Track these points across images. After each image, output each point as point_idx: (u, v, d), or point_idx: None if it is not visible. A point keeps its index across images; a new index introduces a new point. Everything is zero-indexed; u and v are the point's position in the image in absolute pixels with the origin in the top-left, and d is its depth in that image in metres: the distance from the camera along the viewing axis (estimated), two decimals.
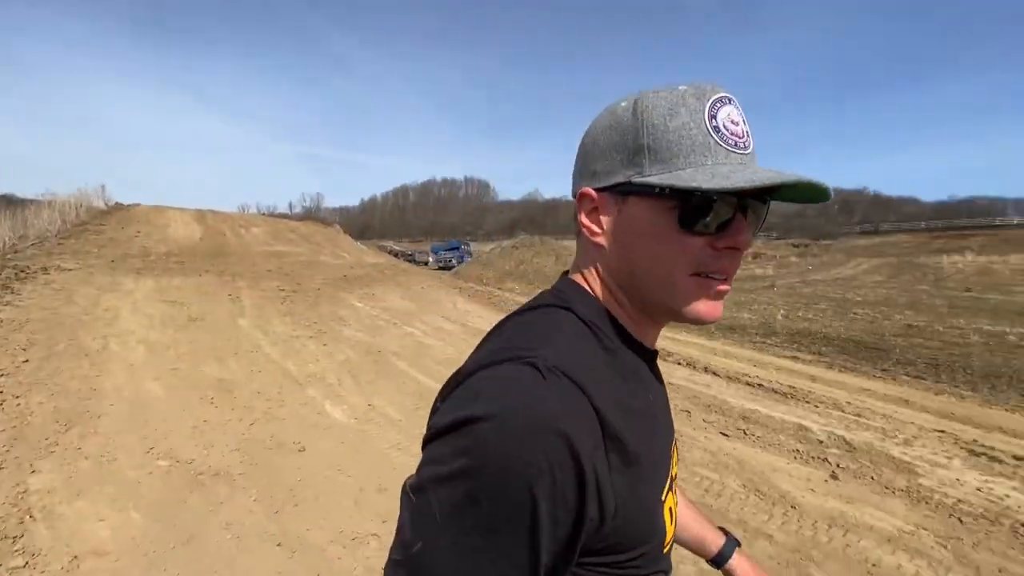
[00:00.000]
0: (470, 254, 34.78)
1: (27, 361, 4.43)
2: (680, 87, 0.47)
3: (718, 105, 0.46)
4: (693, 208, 0.45)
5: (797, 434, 4.23)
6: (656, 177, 0.45)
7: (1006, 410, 5.98)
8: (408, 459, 3.54)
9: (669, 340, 9.05)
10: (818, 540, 2.66)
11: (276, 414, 4.11)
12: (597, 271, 0.53)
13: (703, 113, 0.45)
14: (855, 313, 14.58)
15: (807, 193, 0.47)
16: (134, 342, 5.31)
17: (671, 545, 0.56)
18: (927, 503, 3.15)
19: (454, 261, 33.58)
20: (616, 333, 0.51)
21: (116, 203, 13.66)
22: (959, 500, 3.21)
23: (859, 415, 4.91)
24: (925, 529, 2.83)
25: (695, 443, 3.87)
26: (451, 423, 0.41)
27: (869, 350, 9.16)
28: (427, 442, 0.44)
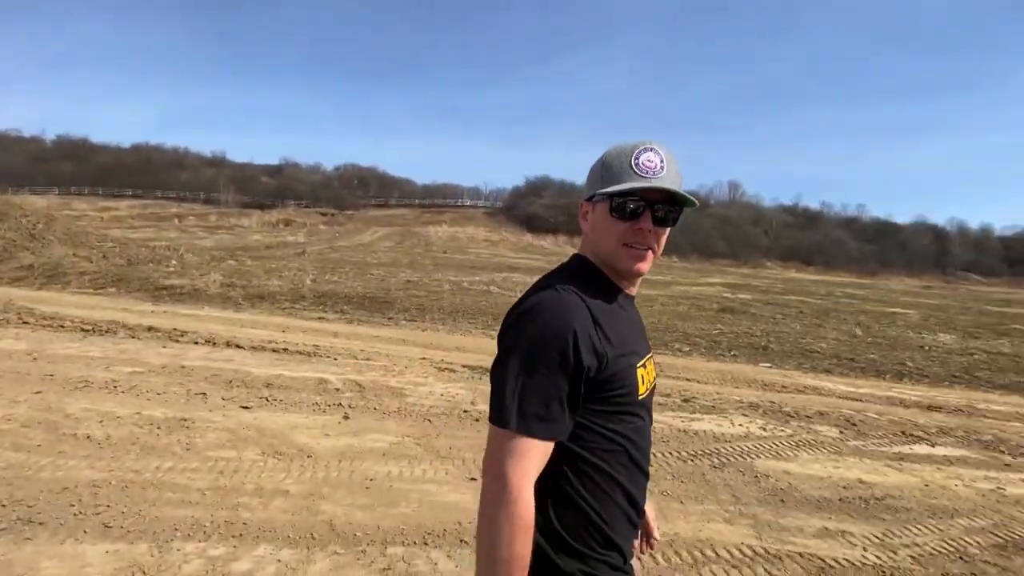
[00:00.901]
0: None
1: None
2: (629, 143, 0.82)
3: (641, 152, 0.80)
4: (615, 204, 0.80)
5: (317, 388, 4.55)
6: (602, 190, 0.81)
7: (462, 335, 8.43)
8: None
9: (186, 318, 7.93)
10: (329, 477, 2.94)
11: None
12: (587, 247, 0.88)
13: (630, 157, 0.80)
14: (371, 274, 17.11)
15: (681, 200, 0.82)
16: None
17: (646, 394, 0.84)
18: (411, 416, 4.05)
19: None
20: (599, 277, 0.85)
21: None
22: (431, 407, 4.29)
23: (369, 359, 5.78)
24: (408, 436, 3.63)
25: (211, 426, 3.52)
26: (513, 315, 0.78)
27: (380, 303, 10.96)
28: (500, 335, 0.79)
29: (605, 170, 0.82)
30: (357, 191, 58.78)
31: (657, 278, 22.18)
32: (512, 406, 0.70)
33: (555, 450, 0.74)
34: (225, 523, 2.39)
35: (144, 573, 2.04)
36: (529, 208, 52.42)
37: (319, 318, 8.92)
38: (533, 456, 0.70)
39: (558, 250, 39.87)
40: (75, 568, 2.09)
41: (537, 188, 56.80)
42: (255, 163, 65.31)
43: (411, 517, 2.57)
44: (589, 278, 0.83)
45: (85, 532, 2.29)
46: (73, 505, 2.49)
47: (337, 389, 4.57)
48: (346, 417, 3.90)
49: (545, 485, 0.74)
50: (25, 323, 6.43)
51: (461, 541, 2.40)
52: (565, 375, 0.71)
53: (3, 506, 2.44)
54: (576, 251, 0.93)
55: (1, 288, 9.98)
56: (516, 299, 0.83)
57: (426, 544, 2.37)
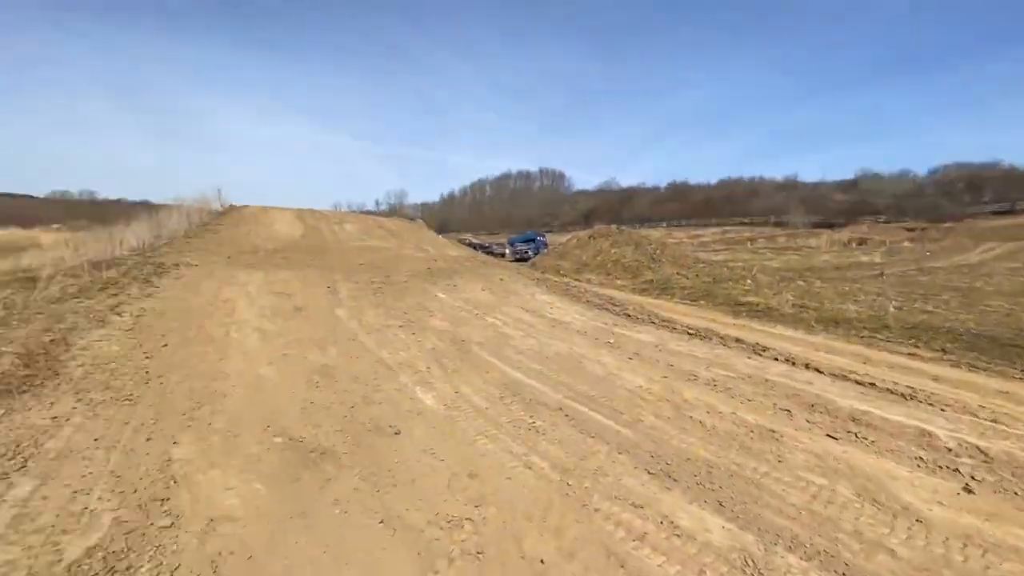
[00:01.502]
0: (546, 245, 34.72)
1: (166, 346, 5.07)
2: None
3: None
4: None
5: (919, 440, 3.79)
6: None
7: None
8: (495, 447, 3.63)
9: (762, 334, 8.49)
10: (951, 559, 2.38)
11: (373, 399, 4.38)
12: None
13: None
14: (987, 305, 12.77)
15: None
16: (249, 330, 5.90)
17: None
18: None
19: (530, 252, 33.67)
20: None
21: (230, 204, 15.17)
22: None
23: (995, 420, 4.31)
24: None
25: (798, 445, 3.60)
26: None
27: (1005, 347, 7.98)
28: None
29: None
30: (963, 196, 45.46)
31: None
32: None
33: None
34: (825, 553, 2.37)
35: (753, 563, 2.31)
36: None
37: (909, 354, 7.46)
38: None
39: None
40: (700, 528, 2.62)
41: None
42: (827, 181, 62.98)
43: None
44: None
45: (705, 503, 2.85)
46: (695, 475, 3.15)
47: (949, 449, 3.65)
48: (968, 490, 3.05)
49: None
50: (652, 323, 8.80)
51: None
52: None
53: (652, 457, 3.39)
54: None
55: (634, 296, 14.09)
56: None
57: None
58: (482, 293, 9.60)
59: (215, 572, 2.24)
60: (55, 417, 3.47)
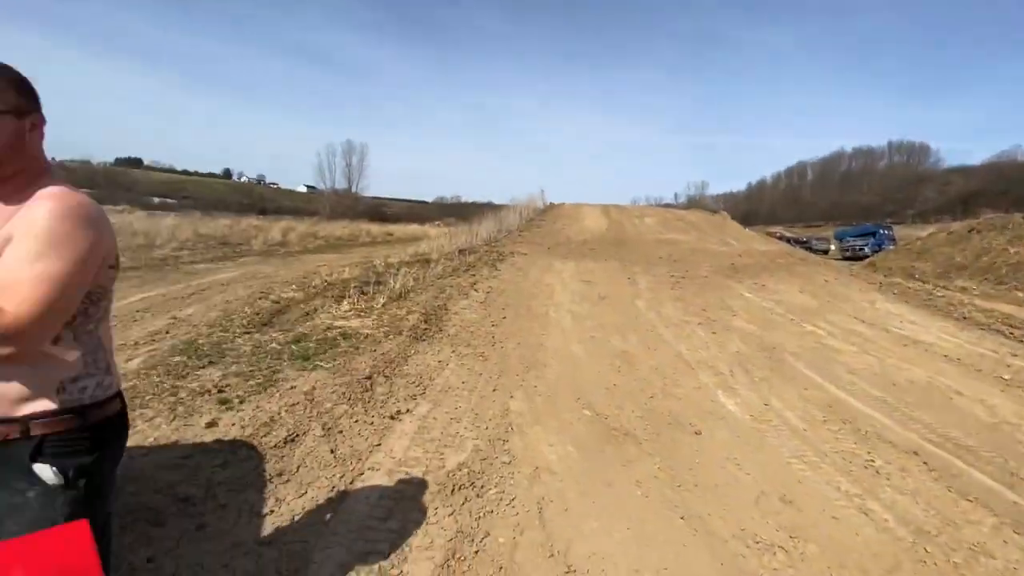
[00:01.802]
0: (893, 240, 27.51)
1: (505, 318, 6.27)
2: None
3: None
4: None
5: None
6: None
7: None
8: (815, 476, 3.13)
9: None
10: None
11: (672, 392, 4.38)
12: None
13: None
14: None
15: None
16: (564, 311, 6.71)
17: None
18: None
19: (867, 249, 27.34)
20: None
21: (550, 203, 17.50)
22: None
23: None
24: None
25: None
26: None
27: None
28: None
29: None
30: None
31: None
32: None
33: None
34: None
35: None
36: None
37: None
38: None
39: None
40: None
41: None
42: None
43: None
44: None
45: None
46: None
47: None
48: None
49: None
50: None
51: None
52: None
53: None
54: None
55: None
56: None
57: None
58: (799, 295, 8.34)
59: (540, 512, 2.68)
60: (440, 361, 4.74)
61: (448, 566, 2.24)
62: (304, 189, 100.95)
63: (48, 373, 1.08)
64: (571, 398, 4.16)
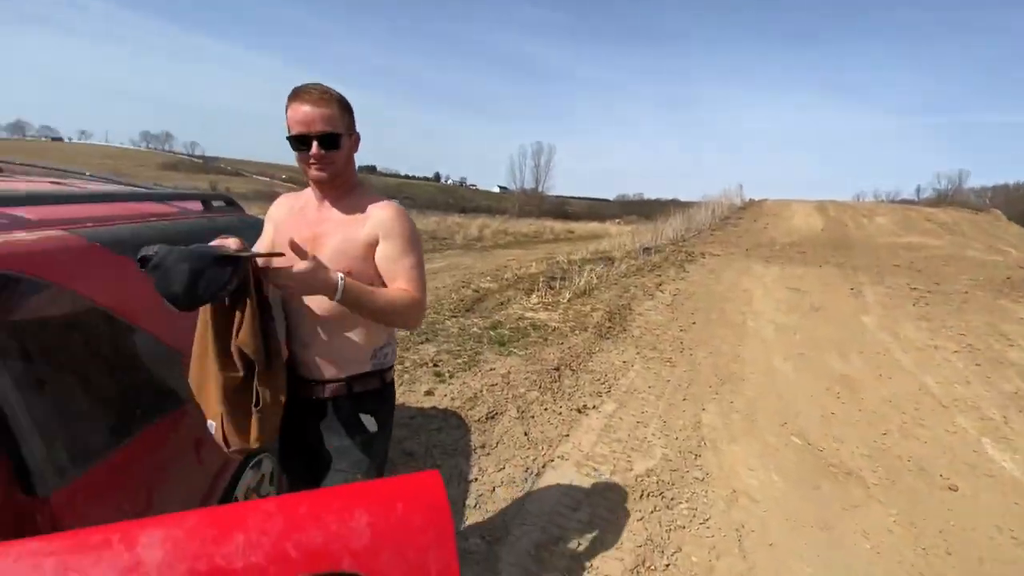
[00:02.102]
0: None
1: (694, 323, 5.89)
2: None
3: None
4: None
5: None
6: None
7: None
8: None
9: None
10: None
11: (914, 433, 3.59)
12: None
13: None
14: None
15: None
16: (765, 321, 6.02)
17: None
18: None
19: None
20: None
21: (749, 199, 15.81)
22: None
23: None
24: None
25: None
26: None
27: None
28: None
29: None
30: None
31: None
32: None
33: None
34: None
35: None
36: None
37: None
38: None
39: None
40: None
41: None
42: None
43: None
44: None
45: None
46: None
47: None
48: None
49: None
50: None
51: None
52: None
53: None
54: None
55: None
56: None
57: None
58: None
59: (739, 539, 2.46)
60: (624, 361, 4.69)
61: (638, 572, 2.21)
62: (497, 189, 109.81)
63: (368, 341, 1.37)
64: (774, 420, 3.71)
